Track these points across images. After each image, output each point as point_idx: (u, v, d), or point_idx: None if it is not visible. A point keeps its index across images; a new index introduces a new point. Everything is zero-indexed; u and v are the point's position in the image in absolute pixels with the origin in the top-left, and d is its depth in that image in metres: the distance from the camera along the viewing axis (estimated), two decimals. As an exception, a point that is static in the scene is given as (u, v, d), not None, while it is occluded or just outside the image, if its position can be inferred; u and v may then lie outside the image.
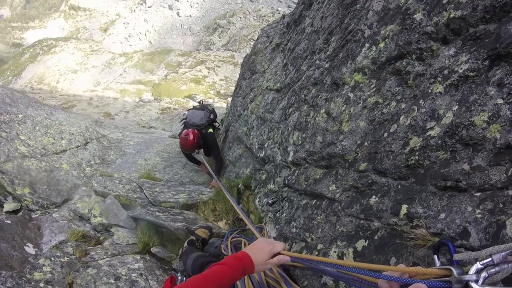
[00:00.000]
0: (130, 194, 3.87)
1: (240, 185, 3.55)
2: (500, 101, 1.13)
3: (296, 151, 2.45)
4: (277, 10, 25.61)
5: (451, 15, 1.40)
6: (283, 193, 2.53)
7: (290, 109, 2.86)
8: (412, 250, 1.25)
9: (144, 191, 4.05)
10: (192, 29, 28.04)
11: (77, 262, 2.74)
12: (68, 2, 35.64)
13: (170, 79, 19.38)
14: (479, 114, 1.17)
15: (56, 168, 4.43)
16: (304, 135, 2.40)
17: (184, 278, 2.00)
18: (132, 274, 2.62)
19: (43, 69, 24.57)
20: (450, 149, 1.25)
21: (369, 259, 1.42)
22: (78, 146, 5.24)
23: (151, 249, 3.05)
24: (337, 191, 1.83)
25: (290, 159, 2.53)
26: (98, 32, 31.95)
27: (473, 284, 0.77)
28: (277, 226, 2.35)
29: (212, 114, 5.07)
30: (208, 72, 19.46)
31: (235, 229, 2.84)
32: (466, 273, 0.79)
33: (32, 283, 2.38)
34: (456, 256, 0.89)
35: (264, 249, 1.22)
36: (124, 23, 30.91)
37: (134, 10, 32.23)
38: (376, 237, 1.45)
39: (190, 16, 28.94)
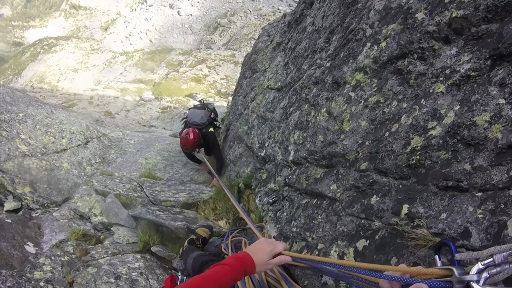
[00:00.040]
0: (130, 193, 3.87)
1: (240, 184, 3.54)
2: (502, 101, 1.12)
3: (296, 150, 2.45)
4: (278, 9, 25.58)
5: (453, 15, 1.40)
6: (283, 192, 2.53)
7: (291, 108, 2.85)
8: (413, 250, 1.25)
9: (145, 190, 4.04)
10: (192, 28, 28.00)
11: (78, 261, 2.75)
12: (68, 1, 35.59)
13: (170, 78, 19.35)
14: (480, 114, 1.17)
15: (57, 167, 4.43)
16: (305, 134, 2.39)
17: (185, 277, 2.00)
18: (133, 273, 2.62)
19: (44, 68, 24.57)
20: (452, 149, 1.24)
21: (370, 259, 1.42)
22: (78, 145, 5.24)
23: (151, 248, 3.06)
24: (338, 190, 1.83)
25: (290, 158, 2.52)
26: (99, 31, 31.91)
27: (474, 284, 0.77)
28: (277, 225, 2.35)
29: (212, 113, 5.06)
30: (209, 71, 19.43)
31: (236, 228, 2.84)
32: (467, 273, 0.79)
33: (33, 282, 2.38)
34: (458, 256, 0.89)
35: (265, 249, 1.22)
36: (124, 22, 30.86)
37: (135, 9, 32.18)
38: (377, 237, 1.45)
39: (191, 15, 28.90)
